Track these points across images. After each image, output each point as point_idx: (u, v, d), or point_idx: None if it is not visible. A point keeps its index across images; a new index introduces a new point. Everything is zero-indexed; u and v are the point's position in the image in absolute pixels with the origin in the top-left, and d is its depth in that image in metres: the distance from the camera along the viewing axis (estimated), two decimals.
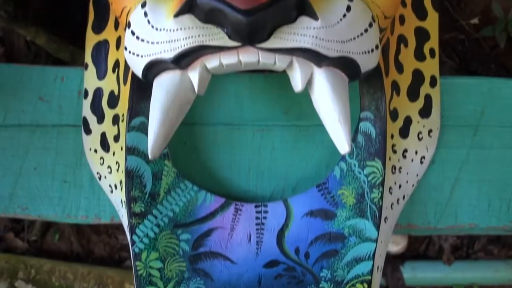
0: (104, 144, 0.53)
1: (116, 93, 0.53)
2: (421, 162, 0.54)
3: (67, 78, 0.57)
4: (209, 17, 0.38)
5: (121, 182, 0.50)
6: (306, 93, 0.43)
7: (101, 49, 0.56)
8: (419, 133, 0.54)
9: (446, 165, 0.56)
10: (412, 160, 0.53)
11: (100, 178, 0.54)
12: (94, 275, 1.02)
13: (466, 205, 0.56)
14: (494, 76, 0.58)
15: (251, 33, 0.38)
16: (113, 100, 0.53)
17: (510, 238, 1.09)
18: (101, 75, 0.55)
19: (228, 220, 0.50)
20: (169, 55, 0.40)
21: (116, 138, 0.52)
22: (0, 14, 0.63)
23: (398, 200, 0.52)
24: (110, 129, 0.53)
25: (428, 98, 0.55)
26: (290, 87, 0.42)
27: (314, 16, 0.39)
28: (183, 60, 0.40)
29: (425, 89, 0.55)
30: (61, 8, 0.86)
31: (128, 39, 0.43)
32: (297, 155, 0.55)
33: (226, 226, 0.50)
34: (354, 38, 0.41)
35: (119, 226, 0.77)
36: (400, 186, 0.52)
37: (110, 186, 0.53)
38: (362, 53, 0.42)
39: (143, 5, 0.41)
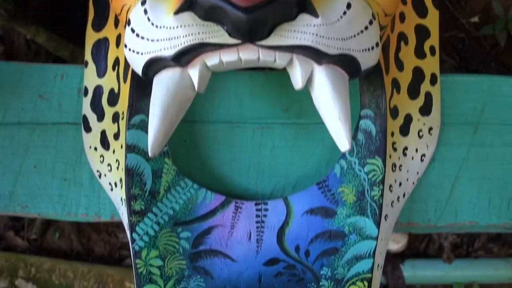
0: (104, 142, 0.53)
1: (116, 91, 0.53)
2: (422, 160, 0.54)
3: (67, 76, 0.57)
4: (209, 14, 0.38)
5: (121, 180, 0.50)
6: (306, 90, 0.43)
7: (101, 47, 0.56)
8: (420, 131, 0.54)
9: (446, 163, 0.56)
10: (413, 158, 0.53)
11: (100, 176, 0.54)
12: (94, 274, 1.03)
13: (466, 203, 0.56)
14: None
15: (251, 31, 0.38)
16: (113, 98, 0.53)
17: (510, 236, 1.09)
18: (101, 73, 0.55)
19: (228, 218, 0.50)
20: (169, 52, 0.40)
21: (116, 136, 0.52)
22: (0, 13, 0.64)
23: (398, 198, 0.52)
24: (110, 127, 0.53)
25: (428, 96, 0.55)
26: (290, 84, 0.42)
27: (314, 14, 0.39)
28: (183, 57, 0.40)
29: (425, 86, 0.55)
30: (61, 7, 0.86)
31: (128, 37, 0.42)
32: (297, 153, 0.55)
33: (226, 224, 0.50)
34: (355, 36, 0.41)
35: (119, 225, 0.78)
36: (400, 184, 0.52)
37: (110, 184, 0.53)
38: (363, 50, 0.42)
39: (143, 3, 0.41)
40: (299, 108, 0.55)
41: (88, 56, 0.56)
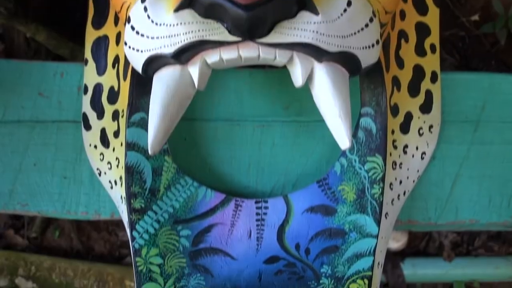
0: (104, 140, 0.53)
1: (116, 88, 0.53)
2: (422, 158, 0.54)
3: (66, 74, 0.57)
4: (209, 12, 0.38)
5: (121, 178, 0.50)
6: (306, 88, 0.43)
7: (101, 44, 0.55)
8: (420, 128, 0.54)
9: (446, 160, 0.56)
10: (413, 156, 0.53)
11: (100, 174, 0.54)
12: (94, 272, 1.03)
13: (466, 201, 0.56)
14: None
15: (251, 28, 0.38)
16: (113, 96, 0.53)
17: (511, 235, 1.09)
18: (101, 70, 0.55)
19: (228, 216, 0.50)
20: (169, 50, 0.40)
21: (116, 134, 0.52)
22: (0, 11, 0.63)
23: (398, 196, 0.52)
24: (110, 125, 0.53)
25: (428, 94, 0.55)
26: (290, 82, 0.42)
27: (315, 11, 0.39)
28: (183, 55, 0.40)
29: (425, 84, 0.54)
30: (61, 7, 0.86)
31: (128, 34, 0.42)
32: (298, 150, 0.55)
33: (226, 222, 0.50)
34: (355, 33, 0.41)
35: (119, 223, 0.77)
36: (400, 182, 0.52)
37: (110, 182, 0.53)
38: (363, 48, 0.42)
39: (143, 0, 0.41)
40: (299, 106, 0.55)
41: (88, 54, 0.56)
